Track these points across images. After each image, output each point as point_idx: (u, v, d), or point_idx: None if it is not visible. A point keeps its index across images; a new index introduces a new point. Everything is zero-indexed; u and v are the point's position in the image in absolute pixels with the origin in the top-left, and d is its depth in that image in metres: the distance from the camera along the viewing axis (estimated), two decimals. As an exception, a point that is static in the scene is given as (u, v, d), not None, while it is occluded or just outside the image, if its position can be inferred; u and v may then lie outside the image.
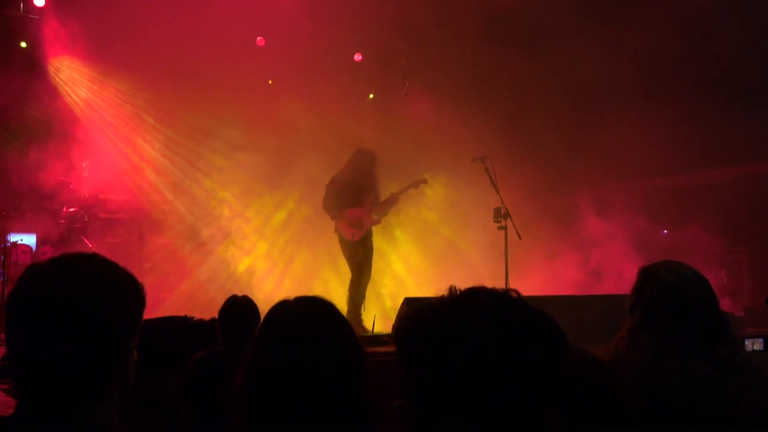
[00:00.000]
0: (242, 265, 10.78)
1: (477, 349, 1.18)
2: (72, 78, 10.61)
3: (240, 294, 4.16)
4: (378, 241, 11.15)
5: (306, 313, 1.77)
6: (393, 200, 8.22)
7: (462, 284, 1.33)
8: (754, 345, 6.35)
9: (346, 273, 8.43)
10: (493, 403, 1.16)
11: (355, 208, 7.93)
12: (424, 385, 1.23)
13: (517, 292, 1.29)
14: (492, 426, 1.16)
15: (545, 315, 1.26)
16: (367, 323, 7.82)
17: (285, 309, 1.81)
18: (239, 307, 3.97)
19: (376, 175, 8.19)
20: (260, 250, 11.05)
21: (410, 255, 11.55)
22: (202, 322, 5.43)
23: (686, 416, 2.02)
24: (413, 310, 1.31)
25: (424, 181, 8.46)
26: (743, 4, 9.58)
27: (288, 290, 9.98)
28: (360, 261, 8.02)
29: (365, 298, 8.16)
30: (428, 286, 10.76)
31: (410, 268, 11.44)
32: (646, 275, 2.35)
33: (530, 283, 9.27)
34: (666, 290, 2.26)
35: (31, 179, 9.28)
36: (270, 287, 10.26)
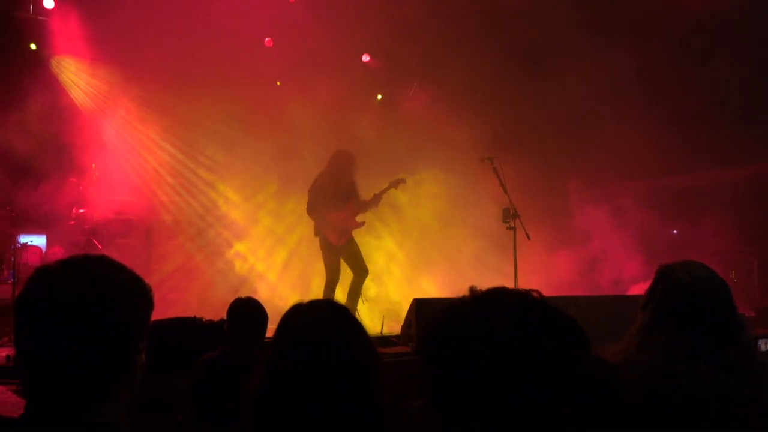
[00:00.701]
0: (251, 265, 10.81)
1: (499, 350, 1.18)
2: (81, 79, 10.66)
3: (245, 296, 4.18)
4: (381, 240, 11.24)
5: (320, 317, 1.79)
6: (374, 201, 8.20)
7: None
8: (766, 345, 6.33)
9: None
10: (514, 403, 1.16)
11: (340, 212, 7.93)
12: (445, 385, 1.23)
13: (538, 292, 1.28)
14: (511, 426, 1.16)
15: (567, 316, 1.25)
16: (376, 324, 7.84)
17: (299, 312, 1.82)
18: (245, 308, 3.99)
19: (355, 175, 8.16)
20: (271, 252, 11.08)
21: (414, 254, 11.61)
22: (211, 323, 5.44)
23: (690, 418, 2.00)
24: (436, 310, 1.31)
25: (403, 181, 8.40)
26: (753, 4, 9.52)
27: (296, 290, 10.04)
28: (350, 262, 8.10)
29: (360, 295, 8.27)
30: (431, 286, 10.83)
31: (415, 267, 11.48)
32: (662, 275, 2.33)
33: (530, 284, 9.23)
34: (678, 290, 2.24)
35: (40, 180, 9.31)
36: (284, 289, 10.28)
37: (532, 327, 1.20)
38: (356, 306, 8.11)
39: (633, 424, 1.90)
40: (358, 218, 8.15)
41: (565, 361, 1.19)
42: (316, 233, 8.04)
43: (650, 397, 2.03)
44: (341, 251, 8.05)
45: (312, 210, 7.96)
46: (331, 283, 8.00)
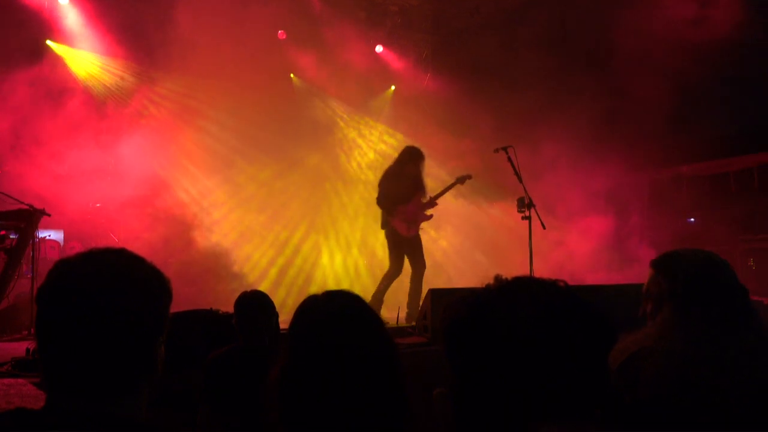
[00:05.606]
0: (267, 259, 10.85)
1: (524, 339, 1.17)
2: (96, 72, 10.72)
3: (250, 289, 4.18)
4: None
5: (335, 308, 1.79)
6: (439, 196, 8.32)
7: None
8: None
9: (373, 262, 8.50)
10: (537, 392, 1.15)
11: (409, 203, 8.02)
12: (468, 373, 1.22)
13: (564, 282, 1.26)
14: (534, 415, 1.15)
15: (594, 307, 1.23)
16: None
17: (314, 303, 1.82)
18: (251, 301, 3.97)
19: (423, 172, 8.25)
20: (286, 245, 11.14)
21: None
22: (227, 315, 5.46)
23: (716, 404, 1.99)
24: (459, 298, 1.29)
25: (469, 177, 8.53)
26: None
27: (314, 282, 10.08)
28: (411, 255, 8.10)
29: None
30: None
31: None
32: (668, 263, 2.32)
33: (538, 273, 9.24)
34: (689, 277, 2.23)
35: (57, 174, 9.36)
36: (299, 282, 10.34)
37: (558, 317, 1.18)
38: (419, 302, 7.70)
39: (658, 413, 1.89)
40: (427, 211, 8.23)
41: (590, 352, 1.17)
42: (383, 225, 8.11)
43: (674, 385, 2.02)
44: (408, 243, 8.08)
45: (381, 200, 8.07)
46: (391, 276, 8.05)
